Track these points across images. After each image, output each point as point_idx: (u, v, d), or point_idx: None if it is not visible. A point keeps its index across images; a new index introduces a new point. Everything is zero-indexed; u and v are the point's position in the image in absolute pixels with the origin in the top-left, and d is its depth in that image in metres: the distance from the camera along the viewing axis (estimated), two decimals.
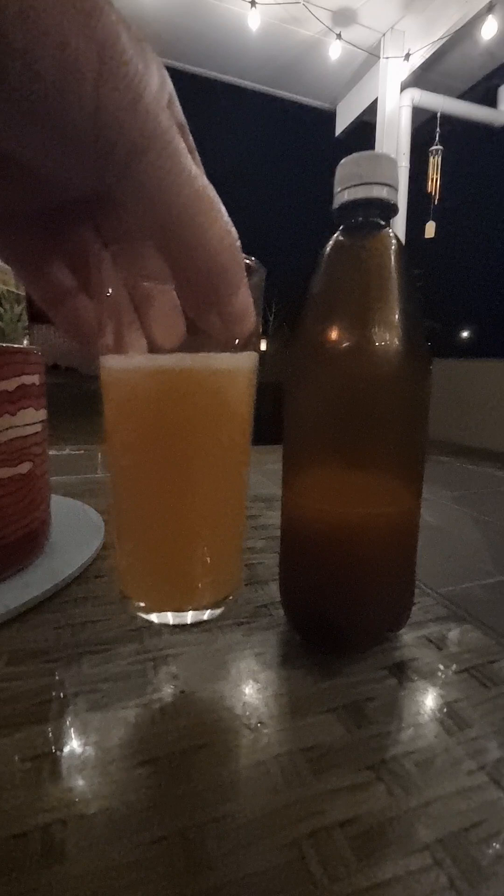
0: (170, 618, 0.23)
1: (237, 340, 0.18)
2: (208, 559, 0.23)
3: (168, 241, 0.13)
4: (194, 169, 0.13)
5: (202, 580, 0.23)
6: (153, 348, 0.19)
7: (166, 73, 0.13)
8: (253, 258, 0.17)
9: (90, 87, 0.10)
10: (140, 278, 0.18)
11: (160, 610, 0.23)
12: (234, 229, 0.14)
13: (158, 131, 0.12)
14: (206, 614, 0.23)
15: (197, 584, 0.23)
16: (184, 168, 0.12)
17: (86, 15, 0.10)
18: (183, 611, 0.22)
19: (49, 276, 0.17)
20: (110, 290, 0.18)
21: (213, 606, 0.23)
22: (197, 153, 0.15)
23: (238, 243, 0.14)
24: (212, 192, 0.13)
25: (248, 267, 0.15)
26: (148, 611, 0.23)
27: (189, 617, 0.23)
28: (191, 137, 0.15)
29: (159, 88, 0.12)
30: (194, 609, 0.23)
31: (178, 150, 0.12)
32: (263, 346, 4.29)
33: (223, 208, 0.13)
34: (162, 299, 0.18)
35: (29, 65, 0.10)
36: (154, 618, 0.23)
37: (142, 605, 0.23)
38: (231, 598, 0.24)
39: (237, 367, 0.20)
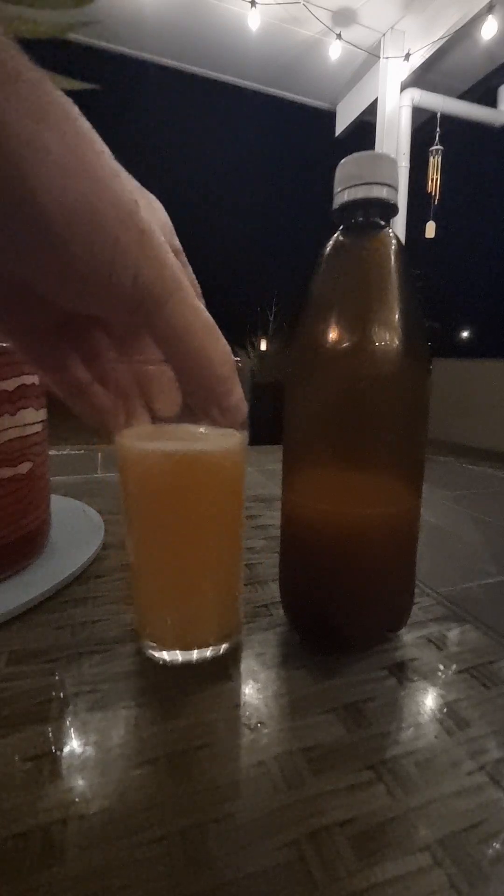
0: (178, 656, 0.25)
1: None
2: (209, 607, 0.26)
3: (180, 360, 0.16)
4: (201, 306, 0.16)
5: (205, 625, 0.26)
6: (155, 418, 0.23)
7: (161, 207, 0.17)
8: (238, 358, 0.20)
9: (132, 264, 0.14)
10: (141, 363, 0.22)
11: (170, 648, 0.25)
12: (228, 346, 0.17)
13: (176, 286, 0.15)
14: (210, 651, 0.26)
15: (201, 628, 0.26)
16: (194, 309, 0.16)
17: (127, 214, 0.13)
18: (189, 649, 0.25)
19: (69, 374, 0.20)
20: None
21: (215, 645, 0.26)
22: (189, 267, 0.20)
23: (232, 356, 0.17)
24: (212, 320, 0.16)
25: (236, 363, 0.18)
26: (159, 649, 0.25)
27: (195, 655, 0.25)
28: (184, 255, 0.19)
29: (170, 234, 0.17)
30: (199, 647, 0.25)
31: (190, 295, 0.15)
32: (263, 346, 4.28)
33: (219, 332, 0.17)
34: (161, 378, 0.22)
35: (90, 253, 0.13)
36: (165, 656, 0.25)
37: (153, 644, 0.26)
38: (231, 638, 0.26)
39: (232, 449, 0.24)
